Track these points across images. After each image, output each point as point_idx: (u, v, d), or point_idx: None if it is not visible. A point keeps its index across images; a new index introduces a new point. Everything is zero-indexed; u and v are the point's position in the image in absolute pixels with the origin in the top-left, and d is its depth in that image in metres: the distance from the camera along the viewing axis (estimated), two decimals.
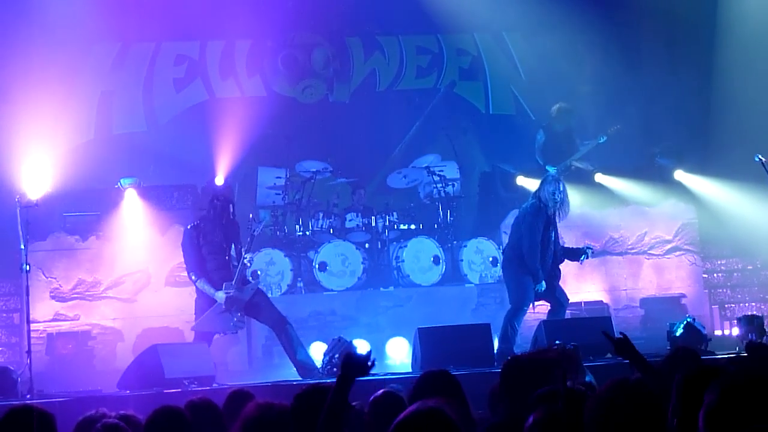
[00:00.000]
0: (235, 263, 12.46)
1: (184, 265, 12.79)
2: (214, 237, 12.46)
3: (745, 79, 16.99)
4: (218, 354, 13.34)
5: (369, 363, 5.37)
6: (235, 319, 12.47)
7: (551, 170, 16.55)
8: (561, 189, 13.12)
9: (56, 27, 16.36)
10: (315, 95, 18.79)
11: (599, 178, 17.18)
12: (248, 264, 12.57)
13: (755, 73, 16.94)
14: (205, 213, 12.76)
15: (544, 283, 13.04)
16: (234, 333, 12.77)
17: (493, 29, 19.08)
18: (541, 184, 13.27)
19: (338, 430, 5.21)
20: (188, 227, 12.75)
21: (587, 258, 13.65)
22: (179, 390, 10.66)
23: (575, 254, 13.63)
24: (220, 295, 12.34)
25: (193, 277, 12.53)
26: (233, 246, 12.56)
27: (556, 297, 13.28)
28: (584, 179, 17.00)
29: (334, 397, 5.24)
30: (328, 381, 5.59)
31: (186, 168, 16.84)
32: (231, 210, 12.70)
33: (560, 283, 13.52)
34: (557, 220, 13.16)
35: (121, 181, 15.85)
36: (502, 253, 14.04)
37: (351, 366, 5.34)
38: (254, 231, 12.69)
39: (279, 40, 18.55)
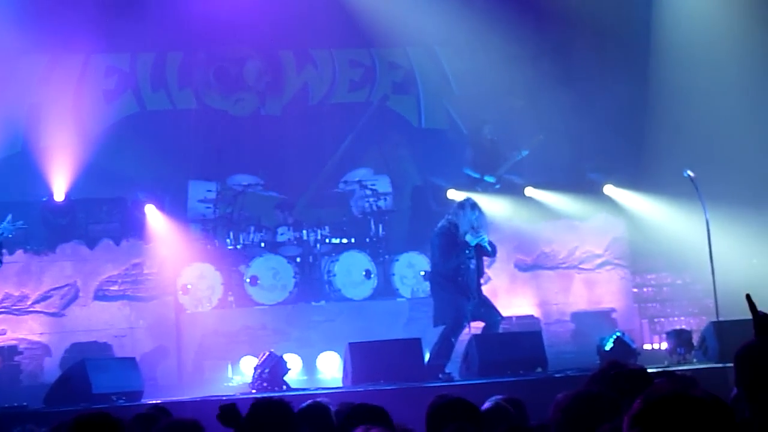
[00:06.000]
0: None
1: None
2: None
3: (677, 94, 17.11)
4: (148, 369, 13.23)
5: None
6: None
7: (489, 179, 16.65)
8: (477, 215, 13.16)
9: None
10: (247, 108, 18.68)
11: (530, 191, 17.26)
12: None
13: (687, 88, 17.04)
14: None
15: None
16: None
17: (425, 43, 19.07)
18: (457, 209, 13.28)
19: None
20: None
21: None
22: (107, 405, 10.54)
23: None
24: None
25: None
26: None
27: (490, 314, 13.30)
28: (515, 193, 17.08)
29: None
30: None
31: (116, 181, 16.68)
32: None
33: (491, 297, 13.58)
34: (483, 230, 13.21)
35: None
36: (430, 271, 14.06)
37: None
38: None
39: (211, 53, 18.44)
